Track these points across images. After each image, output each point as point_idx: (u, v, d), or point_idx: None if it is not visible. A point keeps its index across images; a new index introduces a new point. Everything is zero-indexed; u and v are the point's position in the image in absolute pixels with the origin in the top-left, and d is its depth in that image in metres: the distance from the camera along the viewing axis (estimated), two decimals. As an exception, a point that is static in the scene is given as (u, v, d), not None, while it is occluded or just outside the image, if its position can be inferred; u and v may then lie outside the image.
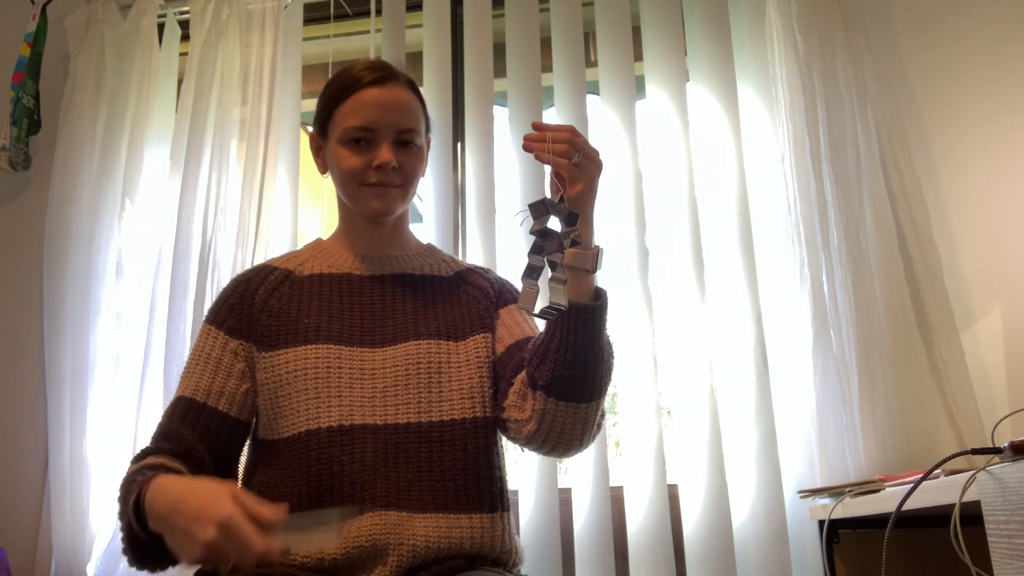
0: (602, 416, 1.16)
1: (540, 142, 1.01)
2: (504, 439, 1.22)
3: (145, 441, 1.82)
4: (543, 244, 0.99)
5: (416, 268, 1.27)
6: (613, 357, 1.12)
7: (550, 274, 0.99)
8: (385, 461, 1.09)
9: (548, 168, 1.03)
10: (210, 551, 0.88)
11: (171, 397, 1.79)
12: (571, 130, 1.02)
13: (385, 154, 1.17)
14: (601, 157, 1.06)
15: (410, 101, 1.22)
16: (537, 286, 1.00)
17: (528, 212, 1.01)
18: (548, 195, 1.04)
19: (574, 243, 0.99)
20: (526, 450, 1.18)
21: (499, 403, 1.16)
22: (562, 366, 1.06)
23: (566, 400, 1.08)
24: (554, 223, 1.01)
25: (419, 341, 1.17)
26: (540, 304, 0.98)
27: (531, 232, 1.00)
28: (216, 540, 0.87)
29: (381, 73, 1.21)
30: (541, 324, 1.18)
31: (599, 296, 1.08)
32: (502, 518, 1.14)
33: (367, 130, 1.18)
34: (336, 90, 1.21)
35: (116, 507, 1.07)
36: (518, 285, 1.28)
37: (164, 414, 1.17)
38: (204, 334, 1.20)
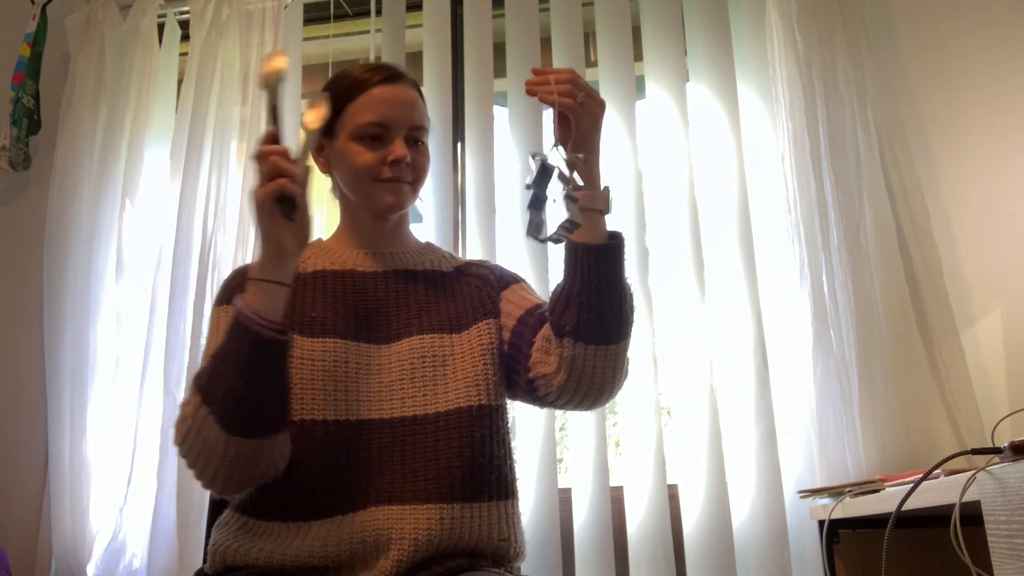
0: (628, 361, 1.16)
1: (543, 84, 1.03)
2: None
3: (145, 441, 1.85)
4: (545, 179, 1.00)
5: (417, 264, 1.28)
6: (633, 298, 1.13)
7: (559, 201, 0.99)
8: (391, 455, 1.10)
9: (549, 113, 1.04)
10: (270, 187, 0.97)
11: (171, 397, 1.83)
12: (572, 72, 1.04)
13: (400, 149, 1.19)
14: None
15: (418, 100, 1.25)
16: (542, 217, 1.00)
17: (532, 160, 1.02)
18: (554, 140, 1.05)
19: (570, 197, 0.99)
20: (559, 406, 1.18)
21: (524, 367, 1.16)
22: (587, 309, 1.07)
23: (595, 343, 1.08)
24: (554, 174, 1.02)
25: (422, 336, 1.17)
26: (549, 231, 0.99)
27: (534, 176, 1.00)
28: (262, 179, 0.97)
29: (391, 72, 1.23)
30: (546, 295, 1.19)
31: (614, 237, 1.09)
32: (501, 506, 1.14)
33: (381, 126, 1.19)
34: (345, 88, 1.22)
35: (216, 372, 1.02)
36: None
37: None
38: (221, 315, 1.18)
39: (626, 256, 1.11)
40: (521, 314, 1.20)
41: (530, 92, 1.04)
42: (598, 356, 1.09)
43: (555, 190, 0.99)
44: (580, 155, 1.03)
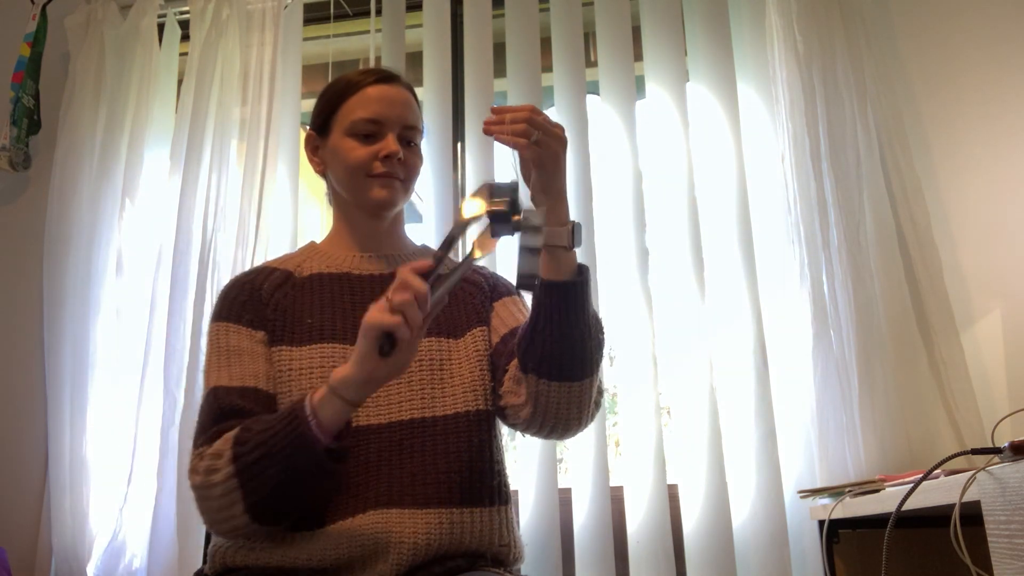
0: (599, 394, 1.15)
1: (498, 124, 1.02)
2: (507, 430, 1.22)
3: (145, 441, 1.86)
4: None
5: (435, 285, 1.27)
6: (602, 332, 1.12)
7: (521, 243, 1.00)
8: (389, 459, 1.09)
9: (515, 152, 1.03)
10: (387, 321, 0.92)
11: (171, 397, 1.83)
12: (530, 109, 1.02)
13: (393, 144, 1.19)
14: (565, 134, 1.05)
15: (412, 102, 1.26)
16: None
17: (489, 193, 1.00)
18: (519, 178, 1.05)
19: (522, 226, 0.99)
20: (528, 435, 1.18)
21: (496, 391, 1.17)
22: (549, 345, 1.06)
23: (558, 380, 1.08)
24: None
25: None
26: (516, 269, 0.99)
27: (487, 212, 0.99)
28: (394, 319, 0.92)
29: (386, 73, 1.25)
30: None
31: (581, 272, 1.08)
32: (501, 512, 1.14)
33: (375, 122, 1.20)
34: (341, 88, 1.24)
35: (258, 476, 0.97)
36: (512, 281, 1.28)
37: (210, 411, 1.09)
38: (222, 332, 1.16)
39: (591, 293, 1.09)
40: (505, 333, 1.20)
41: (487, 132, 1.03)
42: (562, 392, 1.09)
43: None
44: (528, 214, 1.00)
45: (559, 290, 1.06)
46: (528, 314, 1.23)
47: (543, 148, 1.03)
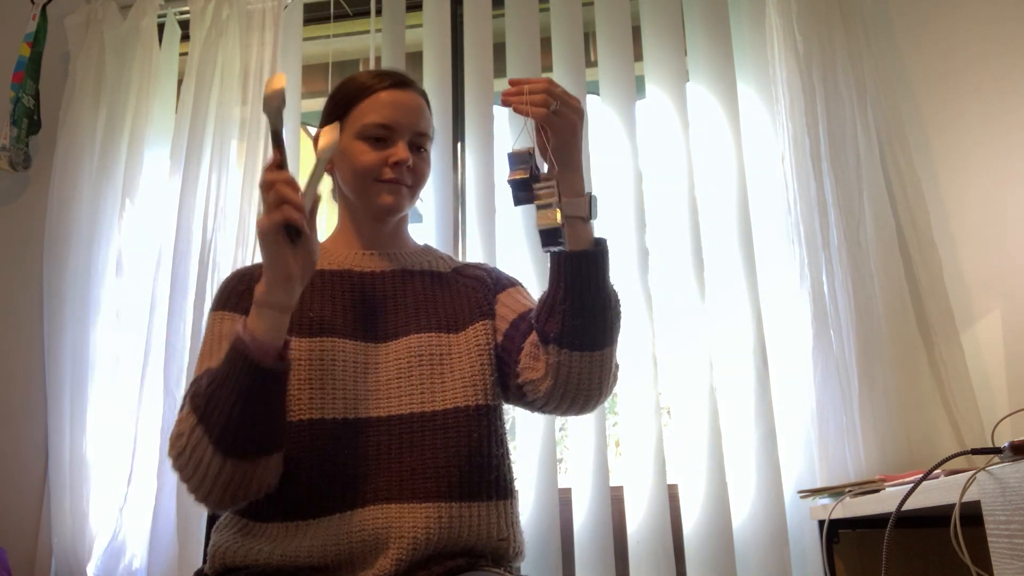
0: (617, 367, 1.16)
1: (517, 95, 1.03)
2: (509, 425, 1.22)
3: (145, 441, 1.85)
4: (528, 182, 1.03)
5: (415, 264, 1.28)
6: (619, 304, 1.13)
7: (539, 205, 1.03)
8: (388, 453, 1.10)
9: (531, 123, 1.04)
10: (274, 216, 0.96)
11: (171, 397, 1.83)
12: (548, 81, 1.04)
13: (403, 151, 1.20)
14: (582, 105, 1.07)
15: (425, 109, 1.27)
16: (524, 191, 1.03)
17: (509, 162, 1.04)
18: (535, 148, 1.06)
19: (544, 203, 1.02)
20: (547, 411, 1.18)
21: (513, 372, 1.17)
22: (571, 315, 1.07)
23: (580, 349, 1.09)
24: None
25: (420, 335, 1.18)
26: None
27: (509, 181, 1.03)
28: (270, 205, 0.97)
29: (400, 78, 1.26)
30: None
31: (598, 244, 1.09)
32: (500, 506, 1.14)
33: (387, 128, 1.21)
34: (354, 90, 1.24)
35: (212, 401, 1.00)
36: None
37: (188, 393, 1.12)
38: (217, 320, 1.18)
39: (611, 260, 1.11)
40: (514, 318, 1.20)
41: (505, 103, 1.05)
42: (583, 362, 1.10)
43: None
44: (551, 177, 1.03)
45: (580, 259, 1.07)
46: (532, 301, 1.24)
47: (561, 118, 1.04)
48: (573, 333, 1.08)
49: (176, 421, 1.06)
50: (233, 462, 1.01)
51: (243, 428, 1.00)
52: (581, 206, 1.07)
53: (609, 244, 1.11)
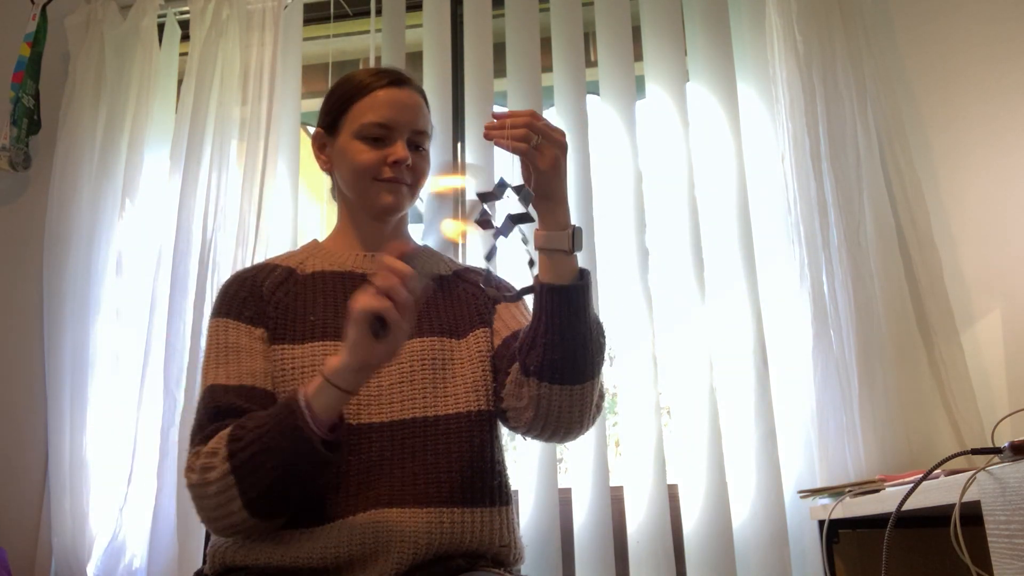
0: (600, 397, 1.16)
1: (499, 129, 1.03)
2: (508, 432, 1.22)
3: (146, 440, 1.85)
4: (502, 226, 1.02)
5: (416, 267, 1.27)
6: (603, 336, 1.12)
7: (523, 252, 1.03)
8: (391, 458, 1.09)
9: (516, 157, 1.04)
10: (375, 305, 0.93)
11: (171, 397, 1.83)
12: (530, 114, 1.03)
13: (401, 150, 1.20)
14: (566, 139, 1.06)
15: (423, 106, 1.26)
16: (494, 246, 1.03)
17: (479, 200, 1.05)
18: (518, 182, 1.06)
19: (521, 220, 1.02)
20: (529, 439, 1.18)
21: (498, 394, 1.17)
22: (551, 349, 1.07)
23: (559, 383, 1.08)
24: (517, 207, 1.04)
25: (422, 339, 1.17)
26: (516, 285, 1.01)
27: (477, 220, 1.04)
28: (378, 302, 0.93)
29: (398, 76, 1.25)
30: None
31: (582, 276, 1.08)
32: (502, 512, 1.14)
33: (385, 127, 1.20)
34: (352, 88, 1.23)
35: (255, 470, 0.98)
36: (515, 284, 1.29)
37: (207, 409, 1.09)
38: (221, 328, 1.16)
39: (592, 296, 1.10)
40: (507, 336, 1.20)
41: (487, 137, 1.04)
42: (564, 395, 1.09)
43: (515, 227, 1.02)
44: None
45: (560, 294, 1.06)
46: (530, 317, 1.24)
47: (543, 153, 1.03)
48: (553, 367, 1.07)
49: (205, 452, 1.02)
50: (260, 521, 1.02)
51: (279, 499, 1.01)
52: (563, 240, 1.06)
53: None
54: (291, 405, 0.98)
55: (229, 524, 1.03)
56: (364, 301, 0.94)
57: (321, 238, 1.34)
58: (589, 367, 1.09)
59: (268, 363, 1.14)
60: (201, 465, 1.02)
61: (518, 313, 1.25)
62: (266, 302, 1.18)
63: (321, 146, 1.28)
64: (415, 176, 1.24)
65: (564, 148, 1.06)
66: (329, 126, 1.26)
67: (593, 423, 1.16)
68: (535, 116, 1.03)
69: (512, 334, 1.19)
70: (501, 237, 1.03)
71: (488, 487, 1.13)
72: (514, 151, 1.02)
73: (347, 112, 1.22)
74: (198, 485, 1.02)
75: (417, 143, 1.24)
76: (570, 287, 1.07)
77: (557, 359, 1.07)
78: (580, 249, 1.07)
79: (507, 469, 1.20)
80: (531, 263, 1.02)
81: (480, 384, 1.16)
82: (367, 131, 1.20)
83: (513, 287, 1.00)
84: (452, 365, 1.17)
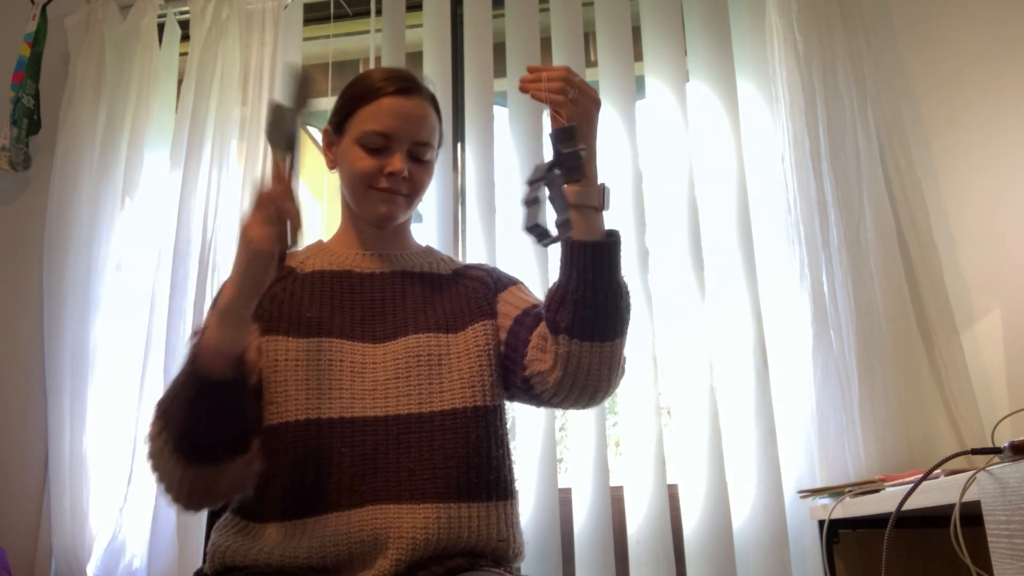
0: (625, 360, 1.16)
1: (535, 82, 1.04)
2: (511, 424, 1.22)
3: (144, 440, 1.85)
4: (542, 180, 1.02)
5: (415, 266, 1.28)
6: (629, 295, 1.13)
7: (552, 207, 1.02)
8: (386, 453, 1.10)
9: (547, 111, 1.05)
10: (265, 228, 0.95)
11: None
12: (566, 69, 1.04)
13: (398, 163, 1.19)
14: (599, 95, 1.08)
15: (430, 116, 1.24)
16: (537, 214, 1.02)
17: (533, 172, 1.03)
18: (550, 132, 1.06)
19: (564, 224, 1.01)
20: (554, 405, 1.18)
21: (520, 365, 1.16)
22: (583, 305, 1.07)
23: (590, 339, 1.08)
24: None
25: (418, 335, 1.17)
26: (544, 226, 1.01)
27: (528, 182, 1.03)
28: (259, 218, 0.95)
29: (407, 84, 1.23)
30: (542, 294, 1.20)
31: (611, 235, 1.10)
32: (500, 507, 1.14)
33: (385, 136, 1.20)
34: (360, 91, 1.23)
35: (170, 407, 1.02)
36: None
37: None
38: None
39: (622, 254, 1.11)
40: (517, 314, 1.20)
41: (523, 89, 1.05)
42: (593, 353, 1.09)
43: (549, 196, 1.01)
44: (582, 148, 1.02)
45: (593, 249, 1.07)
46: (535, 298, 1.24)
47: (578, 106, 1.04)
48: (584, 323, 1.08)
49: (148, 424, 1.08)
50: (194, 467, 1.03)
51: (199, 435, 1.02)
52: (594, 195, 1.07)
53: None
54: (191, 348, 1.01)
55: (175, 482, 1.03)
56: (262, 230, 0.96)
57: (324, 236, 1.34)
58: (620, 324, 1.10)
59: (257, 355, 1.14)
60: (145, 436, 1.07)
61: (523, 295, 1.25)
62: (262, 297, 1.19)
63: (329, 144, 1.28)
64: (412, 187, 1.23)
65: (598, 103, 1.08)
66: (337, 126, 1.26)
67: (617, 385, 1.16)
68: (571, 72, 1.05)
69: (523, 311, 1.20)
70: (542, 185, 1.03)
71: (484, 482, 1.13)
72: (549, 103, 1.03)
73: (353, 115, 1.22)
74: (147, 454, 1.06)
75: (418, 154, 1.22)
76: (603, 243, 1.08)
77: (589, 315, 1.07)
78: (608, 207, 1.09)
79: (510, 464, 1.20)
80: (566, 222, 1.02)
81: (477, 380, 1.16)
82: (367, 139, 1.20)
83: (549, 232, 1.00)
84: (448, 360, 1.17)
